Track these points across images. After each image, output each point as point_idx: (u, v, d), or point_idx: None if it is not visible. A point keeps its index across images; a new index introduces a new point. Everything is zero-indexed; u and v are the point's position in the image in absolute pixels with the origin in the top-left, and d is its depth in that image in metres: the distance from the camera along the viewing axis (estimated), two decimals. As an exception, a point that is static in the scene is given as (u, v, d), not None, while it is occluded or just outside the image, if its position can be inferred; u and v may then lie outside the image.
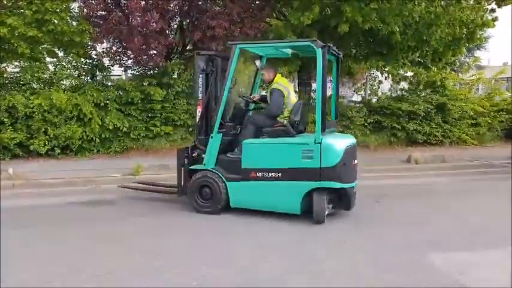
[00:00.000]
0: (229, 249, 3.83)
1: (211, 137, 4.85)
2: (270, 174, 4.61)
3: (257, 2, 9.81)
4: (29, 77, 8.24)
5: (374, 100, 11.42)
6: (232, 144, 5.07)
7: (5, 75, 8.42)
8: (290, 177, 4.53)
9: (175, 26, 10.02)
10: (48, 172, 6.76)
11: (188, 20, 9.61)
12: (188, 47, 10.39)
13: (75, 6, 9.34)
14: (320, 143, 4.42)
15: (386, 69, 10.98)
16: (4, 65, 8.93)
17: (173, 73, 9.44)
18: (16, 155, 7.69)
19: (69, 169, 6.61)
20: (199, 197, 4.89)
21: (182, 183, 5.03)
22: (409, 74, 11.76)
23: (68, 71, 8.99)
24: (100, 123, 8.35)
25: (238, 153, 4.87)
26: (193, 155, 5.04)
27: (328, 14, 8.78)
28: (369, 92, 12.12)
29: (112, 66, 9.69)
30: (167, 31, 9.38)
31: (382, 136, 10.59)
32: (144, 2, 8.10)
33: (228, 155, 4.95)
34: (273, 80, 5.07)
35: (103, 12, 8.98)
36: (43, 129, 7.79)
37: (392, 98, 11.33)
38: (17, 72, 8.57)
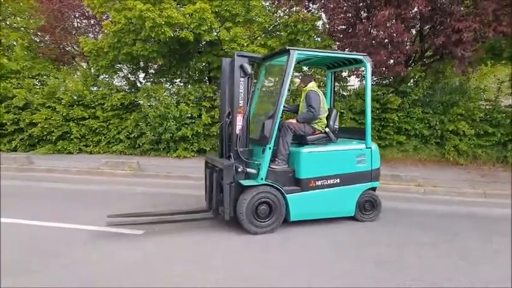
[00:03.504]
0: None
1: (269, 148, 4.34)
2: (328, 181, 4.61)
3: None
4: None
5: None
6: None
7: (263, 89, 10.16)
8: (347, 181, 4.69)
9: (415, 32, 9.69)
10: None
11: (429, 25, 9.15)
12: (427, 53, 9.90)
13: (319, 23, 10.39)
14: (370, 148, 4.83)
15: None
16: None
17: (410, 81, 9.21)
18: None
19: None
20: (256, 217, 4.31)
21: (229, 202, 4.24)
22: None
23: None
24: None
25: (282, 163, 4.56)
26: (239, 169, 4.35)
27: None
28: None
29: (349, 76, 10.24)
30: (406, 38, 9.20)
31: None
32: (387, 12, 8.16)
33: (271, 166, 4.45)
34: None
35: (343, 27, 9.62)
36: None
37: None
38: (270, 87, 10.21)
